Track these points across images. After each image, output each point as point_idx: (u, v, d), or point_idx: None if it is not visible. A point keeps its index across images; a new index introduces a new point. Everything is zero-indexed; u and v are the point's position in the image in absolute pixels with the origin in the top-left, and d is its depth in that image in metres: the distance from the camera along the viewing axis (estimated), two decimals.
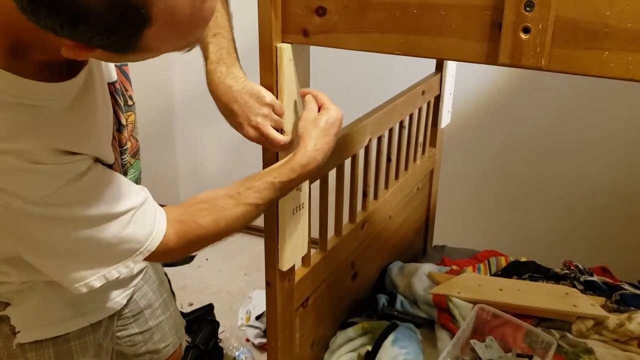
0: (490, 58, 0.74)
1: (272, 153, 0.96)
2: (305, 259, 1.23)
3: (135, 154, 1.05)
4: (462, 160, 2.43)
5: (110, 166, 0.85)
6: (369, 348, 1.35)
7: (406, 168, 1.72)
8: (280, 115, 0.92)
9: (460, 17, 0.74)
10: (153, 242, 0.82)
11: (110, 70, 0.92)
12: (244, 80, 0.92)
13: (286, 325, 1.17)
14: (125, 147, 0.97)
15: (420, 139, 1.80)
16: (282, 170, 0.90)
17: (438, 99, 1.84)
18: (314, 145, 0.90)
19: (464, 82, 2.18)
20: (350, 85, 2.51)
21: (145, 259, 0.84)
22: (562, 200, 2.34)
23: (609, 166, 2.22)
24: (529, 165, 2.36)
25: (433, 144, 1.92)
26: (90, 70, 0.80)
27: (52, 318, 1.01)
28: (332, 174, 1.26)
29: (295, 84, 0.94)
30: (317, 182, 1.20)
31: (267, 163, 0.98)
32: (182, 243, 0.86)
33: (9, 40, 0.66)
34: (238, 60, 0.96)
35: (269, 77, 0.90)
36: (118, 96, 0.94)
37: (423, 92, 1.70)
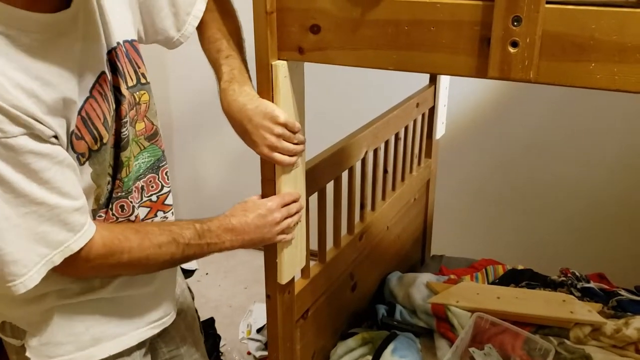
0: (480, 72, 0.76)
1: (270, 166, 0.97)
2: (305, 271, 1.24)
3: (152, 138, 1.02)
4: (458, 170, 2.45)
5: (102, 143, 0.85)
6: (369, 358, 1.36)
7: (402, 179, 1.74)
8: (294, 132, 0.93)
9: (450, 33, 0.76)
10: (67, 250, 0.79)
11: (111, 35, 0.89)
12: (257, 98, 0.92)
13: (287, 338, 1.17)
14: (124, 120, 0.91)
15: (416, 150, 1.82)
16: (207, 220, 0.94)
17: (432, 111, 1.87)
18: (252, 219, 0.95)
19: (458, 93, 2.20)
20: (345, 99, 2.53)
21: (60, 271, 0.80)
22: (559, 208, 2.36)
23: (605, 174, 2.24)
24: (524, 174, 2.38)
25: (428, 154, 1.94)
26: (75, 20, 0.80)
27: (72, 346, 0.95)
28: (330, 187, 1.28)
29: (291, 100, 0.95)
30: (315, 195, 1.22)
31: (265, 177, 0.99)
32: (104, 252, 0.83)
33: None
34: (250, 79, 0.97)
35: (267, 94, 0.92)
36: (119, 63, 0.90)
37: (417, 104, 1.72)
